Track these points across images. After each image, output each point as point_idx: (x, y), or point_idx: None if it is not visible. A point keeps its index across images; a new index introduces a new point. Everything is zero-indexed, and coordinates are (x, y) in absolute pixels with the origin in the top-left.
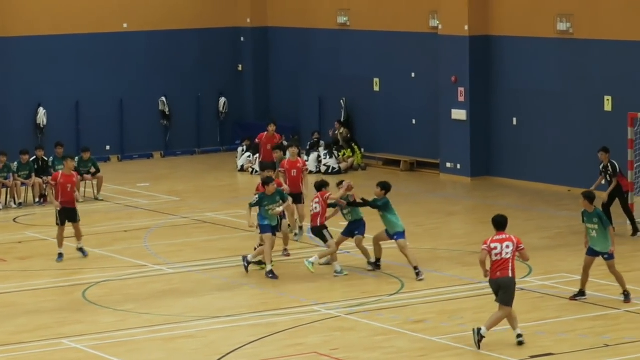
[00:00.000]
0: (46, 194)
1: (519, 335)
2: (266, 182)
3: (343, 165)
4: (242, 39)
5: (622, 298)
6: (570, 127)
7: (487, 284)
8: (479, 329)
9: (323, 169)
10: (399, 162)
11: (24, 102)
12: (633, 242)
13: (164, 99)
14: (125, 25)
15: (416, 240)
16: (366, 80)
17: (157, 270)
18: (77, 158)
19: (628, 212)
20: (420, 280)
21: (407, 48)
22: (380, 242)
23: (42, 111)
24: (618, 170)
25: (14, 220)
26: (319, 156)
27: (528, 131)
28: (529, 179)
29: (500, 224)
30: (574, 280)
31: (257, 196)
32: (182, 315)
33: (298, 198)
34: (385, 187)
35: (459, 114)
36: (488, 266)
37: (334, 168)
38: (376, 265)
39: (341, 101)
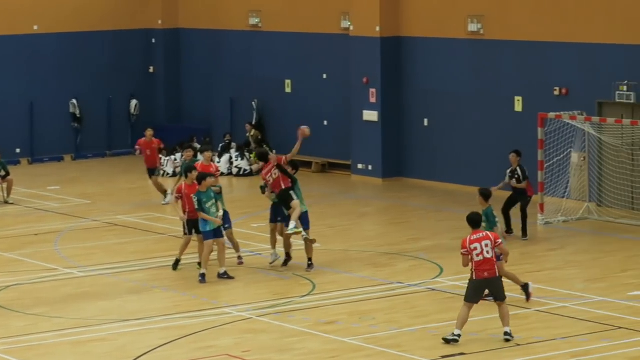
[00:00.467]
0: None
1: (451, 336)
2: (201, 177)
3: (255, 167)
4: (153, 40)
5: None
6: (481, 128)
7: (398, 284)
8: (505, 332)
9: (235, 170)
10: (311, 164)
11: None
12: (544, 241)
13: (74, 101)
14: (35, 27)
15: (328, 241)
16: (278, 82)
17: (68, 273)
18: None
19: (524, 216)
20: (308, 271)
21: (318, 49)
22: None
23: None
24: (527, 174)
25: None
26: (230, 158)
27: (439, 132)
28: (441, 179)
29: (475, 221)
30: None
31: (195, 199)
32: (93, 318)
33: None
34: (294, 165)
35: (371, 115)
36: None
37: (245, 170)
38: (287, 260)
39: (253, 103)
